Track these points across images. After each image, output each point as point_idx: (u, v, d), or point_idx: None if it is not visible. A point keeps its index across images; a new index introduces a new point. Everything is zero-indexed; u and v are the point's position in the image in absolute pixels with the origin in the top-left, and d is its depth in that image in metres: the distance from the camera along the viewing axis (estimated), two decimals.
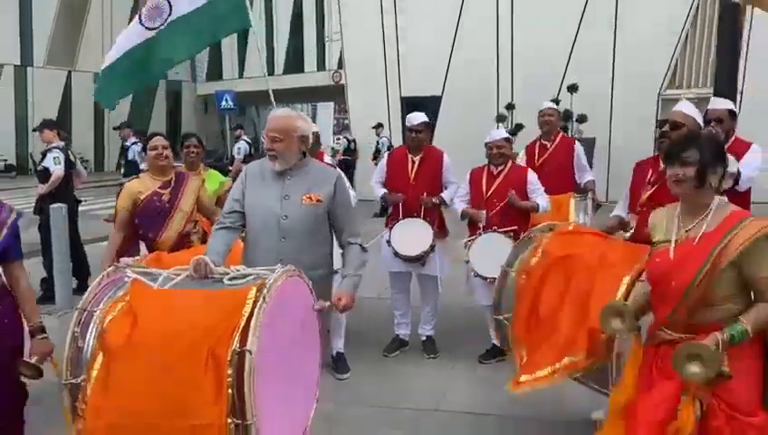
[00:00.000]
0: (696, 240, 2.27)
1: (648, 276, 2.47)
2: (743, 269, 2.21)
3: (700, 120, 3.66)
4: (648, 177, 3.71)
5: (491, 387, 4.27)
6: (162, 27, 4.99)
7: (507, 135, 4.76)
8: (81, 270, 6.72)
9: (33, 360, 2.67)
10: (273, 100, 5.61)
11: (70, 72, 27.82)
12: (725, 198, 2.38)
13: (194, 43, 5.29)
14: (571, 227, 3.60)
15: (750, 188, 3.77)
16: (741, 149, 3.79)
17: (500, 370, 4.61)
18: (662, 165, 3.48)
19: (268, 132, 3.01)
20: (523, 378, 3.12)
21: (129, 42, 5.15)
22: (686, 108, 3.61)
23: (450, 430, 3.84)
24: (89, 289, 2.48)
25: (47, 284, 6.45)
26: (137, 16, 5.25)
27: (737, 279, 2.22)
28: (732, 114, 3.92)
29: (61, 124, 7.40)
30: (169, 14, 5.00)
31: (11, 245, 2.75)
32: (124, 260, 2.85)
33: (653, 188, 3.61)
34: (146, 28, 5.07)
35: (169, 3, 4.98)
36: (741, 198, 3.78)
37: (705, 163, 2.25)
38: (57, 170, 6.46)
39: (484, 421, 3.89)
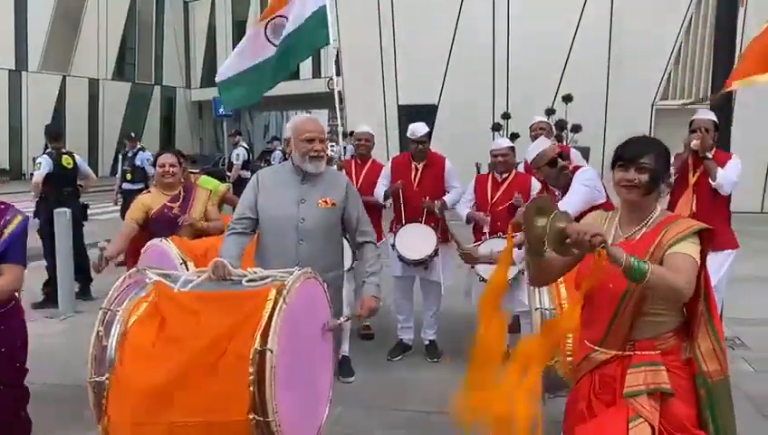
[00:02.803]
0: (636, 240, 2.18)
1: (579, 283, 2.25)
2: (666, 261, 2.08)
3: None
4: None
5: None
6: (279, 43, 5.13)
7: (511, 144, 4.85)
8: (83, 275, 6.73)
9: None
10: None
11: (64, 76, 27.77)
12: (665, 208, 2.28)
13: (293, 58, 5.38)
14: None
15: (730, 197, 4.40)
16: (722, 158, 4.37)
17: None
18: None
19: (319, 135, 3.07)
20: None
21: (256, 55, 5.25)
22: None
23: (453, 433, 3.89)
24: (112, 289, 2.54)
25: (49, 287, 6.46)
26: (261, 31, 5.30)
27: None
28: (715, 126, 4.36)
29: (57, 130, 7.48)
30: (284, 29, 5.13)
31: (9, 248, 2.66)
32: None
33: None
34: (271, 44, 5.19)
35: (286, 18, 5.10)
36: (722, 209, 4.40)
37: (658, 170, 2.17)
38: (35, 176, 6.67)
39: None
